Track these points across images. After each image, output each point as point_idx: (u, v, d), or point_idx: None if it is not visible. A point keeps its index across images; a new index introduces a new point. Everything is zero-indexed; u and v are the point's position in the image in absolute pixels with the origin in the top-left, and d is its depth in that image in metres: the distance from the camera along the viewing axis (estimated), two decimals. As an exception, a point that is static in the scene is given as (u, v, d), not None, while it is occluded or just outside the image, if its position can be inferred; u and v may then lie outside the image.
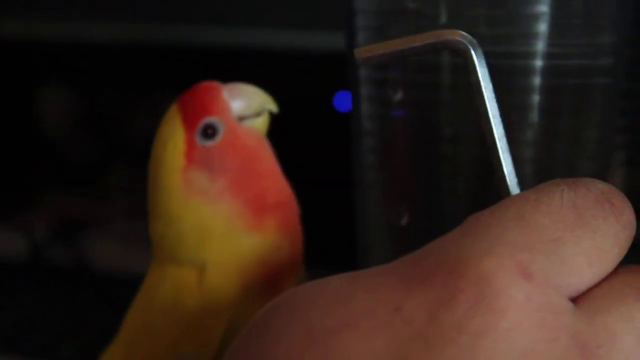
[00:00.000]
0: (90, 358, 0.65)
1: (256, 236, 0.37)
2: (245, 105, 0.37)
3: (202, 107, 0.37)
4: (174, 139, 0.37)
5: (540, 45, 0.35)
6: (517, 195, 0.27)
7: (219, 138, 0.37)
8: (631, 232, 0.27)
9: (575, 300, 0.25)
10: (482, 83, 0.30)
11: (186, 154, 0.37)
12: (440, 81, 0.36)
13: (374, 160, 0.40)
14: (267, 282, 0.36)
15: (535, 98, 0.36)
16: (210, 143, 0.36)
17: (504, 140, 0.30)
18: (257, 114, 0.38)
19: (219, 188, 0.36)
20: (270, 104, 0.38)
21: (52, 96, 0.99)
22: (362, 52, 0.31)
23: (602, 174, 0.38)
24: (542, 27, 0.35)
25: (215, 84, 0.38)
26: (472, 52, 0.30)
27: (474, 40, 0.30)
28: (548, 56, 0.35)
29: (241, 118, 0.37)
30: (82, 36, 0.83)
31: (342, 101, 0.66)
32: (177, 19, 0.80)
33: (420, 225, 0.39)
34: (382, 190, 0.40)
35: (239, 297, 0.36)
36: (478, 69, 0.30)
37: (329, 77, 0.55)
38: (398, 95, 0.38)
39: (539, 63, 0.35)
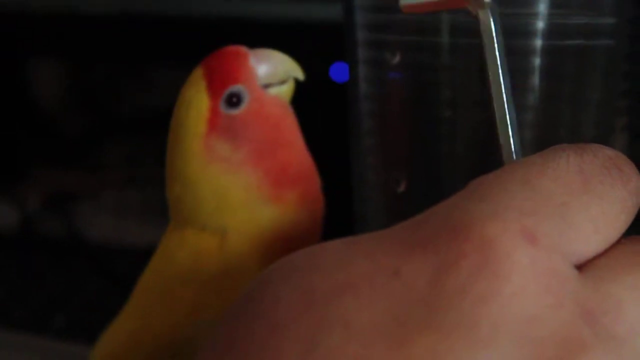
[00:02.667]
0: (82, 329, 0.66)
1: (276, 208, 0.36)
2: (272, 72, 0.37)
3: (229, 74, 0.36)
4: (197, 105, 0.36)
5: (542, 6, 0.35)
6: (522, 160, 0.27)
7: (243, 107, 0.36)
8: (638, 199, 0.27)
9: (580, 267, 0.25)
10: (496, 45, 0.29)
11: (209, 120, 0.36)
12: (439, 43, 0.36)
13: (372, 125, 0.40)
14: (286, 254, 0.35)
15: (537, 60, 0.35)
16: (234, 111, 0.36)
17: (512, 103, 0.29)
18: (283, 82, 0.37)
19: (240, 157, 0.36)
20: (296, 71, 0.37)
21: (45, 67, 0.99)
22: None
23: (605, 139, 0.37)
24: (544, -15, 0.35)
25: (242, 49, 0.37)
26: (490, 12, 0.29)
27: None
28: (549, 16, 0.35)
29: (266, 85, 0.37)
30: (76, 7, 0.82)
31: (338, 72, 0.65)
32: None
33: (418, 192, 0.38)
34: (379, 156, 0.40)
35: (259, 265, 0.36)
36: (494, 29, 0.29)
37: (325, 48, 0.55)
38: (396, 58, 0.37)
39: (540, 24, 0.35)
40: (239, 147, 0.36)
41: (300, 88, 0.38)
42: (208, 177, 0.36)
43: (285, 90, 0.37)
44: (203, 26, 0.78)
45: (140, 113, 0.95)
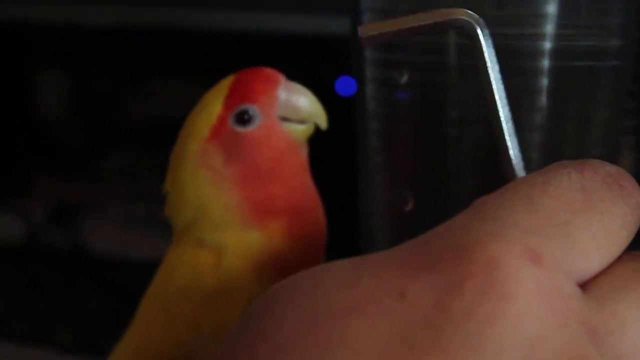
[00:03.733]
0: (85, 341, 0.66)
1: (261, 233, 0.36)
2: (293, 108, 0.37)
3: (251, 93, 0.36)
4: (209, 110, 0.36)
5: (549, 27, 0.35)
6: (524, 178, 0.27)
7: (251, 128, 0.36)
8: (639, 215, 0.27)
9: (583, 286, 0.25)
10: (488, 64, 0.29)
11: (213, 127, 0.36)
12: (447, 63, 0.36)
13: (379, 144, 0.39)
14: (280, 276, 0.35)
15: (544, 80, 0.35)
16: (241, 129, 0.36)
17: (510, 122, 0.29)
18: (302, 122, 0.37)
19: (227, 174, 0.36)
20: (320, 119, 0.37)
21: (49, 79, 0.99)
22: (367, 30, 0.31)
23: (611, 158, 0.37)
24: (551, 7, 0.34)
25: (277, 75, 0.37)
26: (479, 32, 0.29)
27: (481, 20, 0.29)
28: (556, 37, 0.35)
29: (285, 118, 0.37)
30: (79, 18, 0.82)
31: (344, 86, 0.65)
32: (176, 2, 0.79)
33: (424, 210, 0.38)
34: (386, 174, 0.40)
35: (255, 283, 0.36)
36: (484, 48, 0.29)
37: (331, 62, 0.55)
38: (404, 77, 0.37)
39: (547, 45, 0.35)
40: (230, 164, 0.36)
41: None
42: (194, 181, 0.36)
43: (301, 131, 0.37)
44: (208, 39, 0.78)
45: (145, 125, 0.95)
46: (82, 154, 0.97)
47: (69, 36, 0.85)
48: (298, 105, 0.37)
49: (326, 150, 0.42)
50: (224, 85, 0.37)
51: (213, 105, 0.36)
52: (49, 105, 0.99)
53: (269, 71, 0.37)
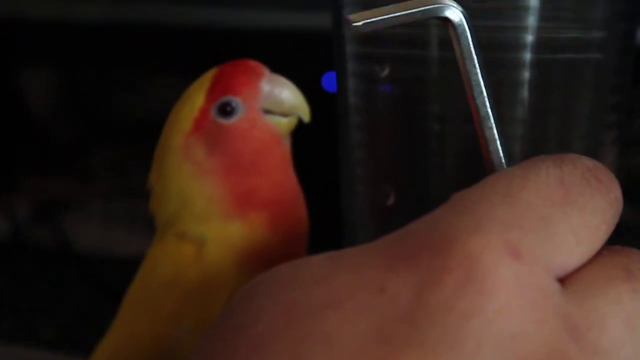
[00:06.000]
0: (71, 339, 0.65)
1: (243, 225, 0.36)
2: (276, 101, 0.37)
3: (233, 85, 0.36)
4: (192, 102, 0.37)
5: (531, 19, 0.34)
6: (502, 172, 0.27)
7: (234, 120, 0.36)
8: (618, 209, 0.27)
9: (563, 280, 0.25)
10: (470, 55, 0.29)
11: (196, 120, 0.36)
12: (428, 56, 0.36)
13: (360, 138, 0.39)
14: (262, 269, 0.35)
15: (526, 73, 0.35)
16: (223, 120, 0.36)
17: (492, 115, 0.29)
18: (285, 115, 0.37)
19: (210, 166, 0.36)
20: (303, 112, 0.37)
21: (34, 76, 0.99)
22: (356, 18, 0.30)
23: (594, 152, 0.37)
24: (533, 0, 0.34)
25: (261, 67, 0.37)
26: (462, 22, 0.29)
27: (464, 11, 0.29)
28: (539, 30, 0.35)
29: (267, 111, 0.36)
30: (65, 15, 0.82)
31: (330, 81, 0.65)
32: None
33: (406, 204, 0.38)
34: (367, 168, 0.40)
35: (237, 276, 0.36)
36: (469, 39, 0.29)
37: (317, 58, 0.54)
38: (385, 71, 0.37)
39: (529, 37, 0.35)
40: (212, 156, 0.36)
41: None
42: (177, 175, 0.37)
43: (284, 123, 0.37)
44: (195, 35, 0.78)
45: (131, 122, 0.95)
46: (67, 151, 0.97)
47: (55, 32, 0.84)
48: (281, 98, 0.37)
49: (310, 146, 0.42)
50: (207, 78, 0.37)
51: (195, 97, 0.36)
52: (34, 102, 0.99)
53: (252, 63, 0.37)
